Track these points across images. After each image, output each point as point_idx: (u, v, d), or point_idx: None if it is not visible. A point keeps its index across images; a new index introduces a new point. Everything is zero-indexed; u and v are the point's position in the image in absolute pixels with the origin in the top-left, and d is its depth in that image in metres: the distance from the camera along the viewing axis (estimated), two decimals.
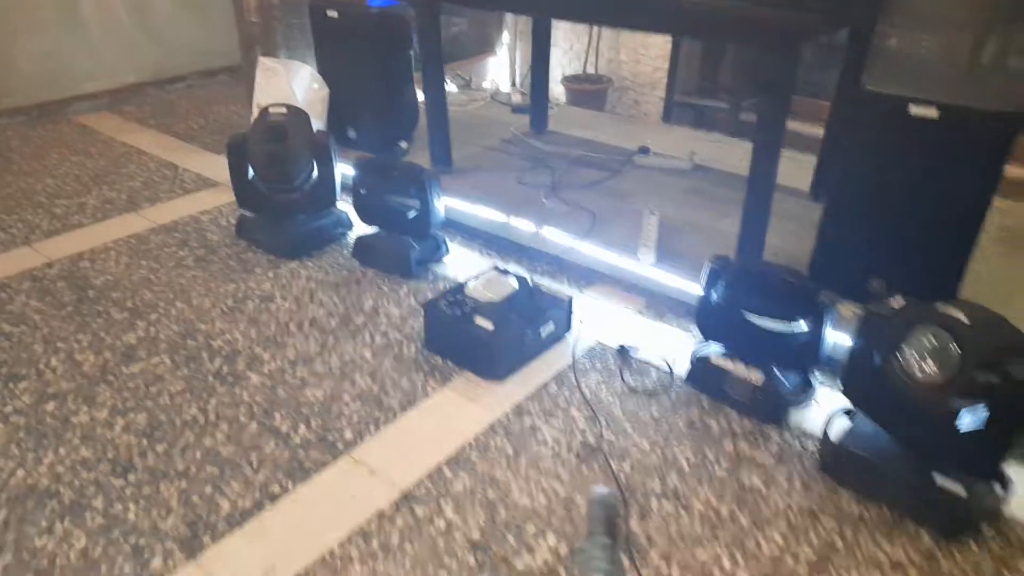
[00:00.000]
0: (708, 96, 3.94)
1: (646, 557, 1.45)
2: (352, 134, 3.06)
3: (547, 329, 2.02)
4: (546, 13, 2.97)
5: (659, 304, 2.26)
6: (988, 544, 1.49)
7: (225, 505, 1.57)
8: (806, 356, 1.76)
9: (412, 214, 2.35)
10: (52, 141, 3.57)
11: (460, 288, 2.05)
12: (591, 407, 1.85)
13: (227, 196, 2.91)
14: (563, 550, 1.45)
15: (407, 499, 1.59)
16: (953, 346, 1.37)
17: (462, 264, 2.48)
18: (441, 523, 1.53)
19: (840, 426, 1.66)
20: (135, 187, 3.08)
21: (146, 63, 4.22)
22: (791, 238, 2.30)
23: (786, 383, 1.79)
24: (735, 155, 2.82)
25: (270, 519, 1.54)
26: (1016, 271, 2.18)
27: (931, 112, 1.65)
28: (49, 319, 2.19)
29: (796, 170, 2.57)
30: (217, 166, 3.22)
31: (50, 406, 1.85)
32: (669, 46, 3.76)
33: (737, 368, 1.81)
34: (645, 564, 1.43)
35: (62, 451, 1.71)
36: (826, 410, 1.72)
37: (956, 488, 1.48)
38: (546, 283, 2.25)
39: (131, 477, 1.64)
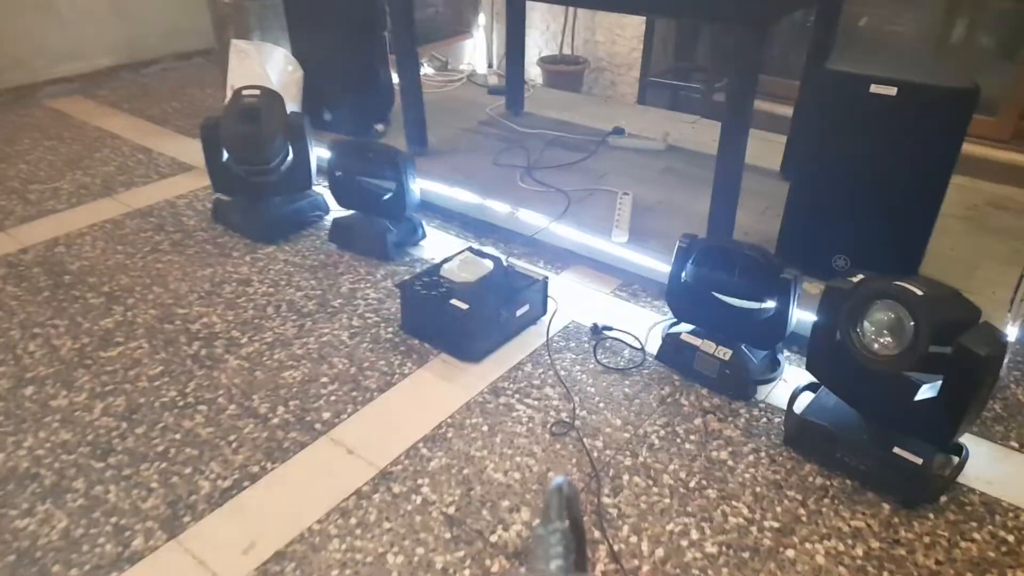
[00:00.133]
0: (683, 77, 3.97)
1: (618, 531, 1.50)
2: (328, 117, 3.06)
3: (522, 310, 2.05)
4: None
5: (633, 284, 2.30)
6: (944, 513, 1.55)
7: (205, 485, 1.60)
8: (772, 333, 1.80)
9: (388, 196, 2.37)
10: (25, 126, 3.53)
11: (436, 269, 2.08)
12: (565, 385, 1.89)
13: (202, 180, 2.91)
14: (529, 536, 1.50)
15: (384, 477, 1.62)
16: (908, 319, 1.41)
17: (439, 246, 2.50)
18: (418, 499, 1.57)
19: (805, 401, 1.72)
20: (109, 172, 3.06)
21: (120, 46, 4.17)
22: (762, 217, 2.35)
23: (754, 359, 1.84)
24: (709, 135, 2.86)
25: (250, 498, 1.57)
26: (979, 246, 2.24)
27: (890, 90, 1.69)
28: (25, 304, 2.19)
29: (768, 150, 2.62)
30: (192, 150, 3.20)
31: (29, 390, 1.86)
32: (644, 27, 3.77)
33: (706, 345, 1.86)
34: (616, 538, 1.48)
35: (42, 434, 1.72)
36: (792, 386, 1.78)
37: (914, 459, 1.53)
38: (522, 264, 2.28)
39: (111, 459, 1.66)
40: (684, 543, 1.48)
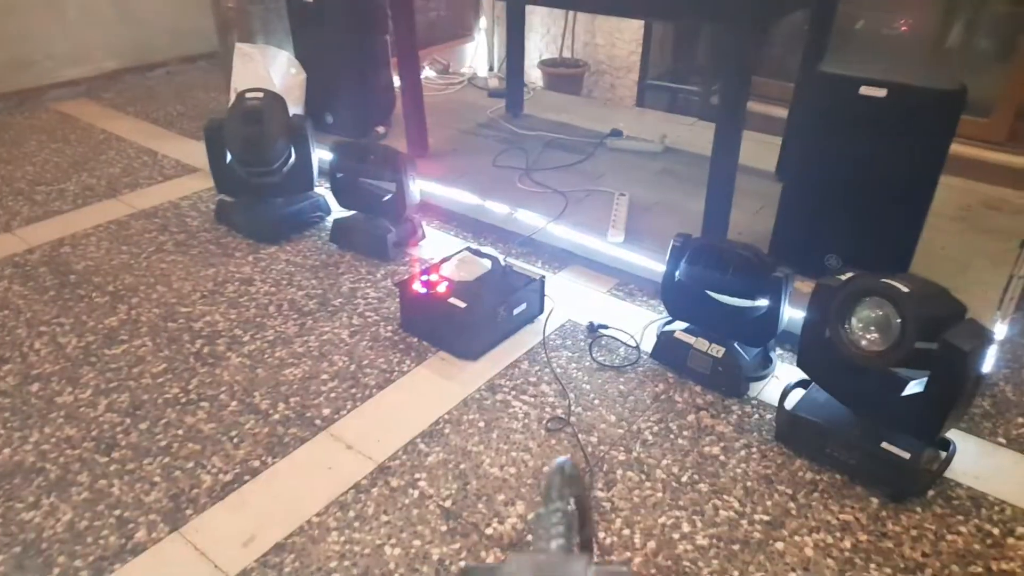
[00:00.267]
0: (680, 80, 4.00)
1: (611, 524, 1.53)
2: (330, 119, 3.10)
3: (519, 308, 2.09)
4: None
5: (629, 283, 2.33)
6: (931, 506, 1.58)
7: (207, 479, 1.63)
8: (764, 331, 1.83)
9: (388, 197, 2.41)
10: (31, 128, 3.58)
11: (435, 268, 2.11)
12: (561, 382, 1.92)
13: (206, 182, 2.95)
14: (531, 517, 1.53)
15: (383, 471, 1.65)
16: (894, 316, 1.44)
17: (438, 246, 2.54)
18: (415, 493, 1.60)
19: (796, 397, 1.75)
20: (115, 173, 3.11)
21: (125, 49, 4.22)
22: (756, 217, 2.38)
23: (746, 357, 1.87)
24: (706, 137, 2.87)
25: (250, 492, 1.61)
26: (971, 246, 2.27)
27: (880, 92, 1.72)
28: (32, 303, 2.23)
29: (764, 151, 2.65)
30: (196, 152, 3.25)
31: (35, 387, 1.90)
32: (643, 30, 3.81)
33: (699, 343, 1.89)
34: (610, 531, 1.51)
35: (47, 430, 1.76)
36: (784, 383, 1.81)
37: (902, 453, 1.56)
38: (519, 264, 2.32)
39: (115, 454, 1.70)
40: (676, 536, 1.51)
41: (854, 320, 1.53)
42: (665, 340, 1.96)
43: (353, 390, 1.89)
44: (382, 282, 2.35)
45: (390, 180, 2.39)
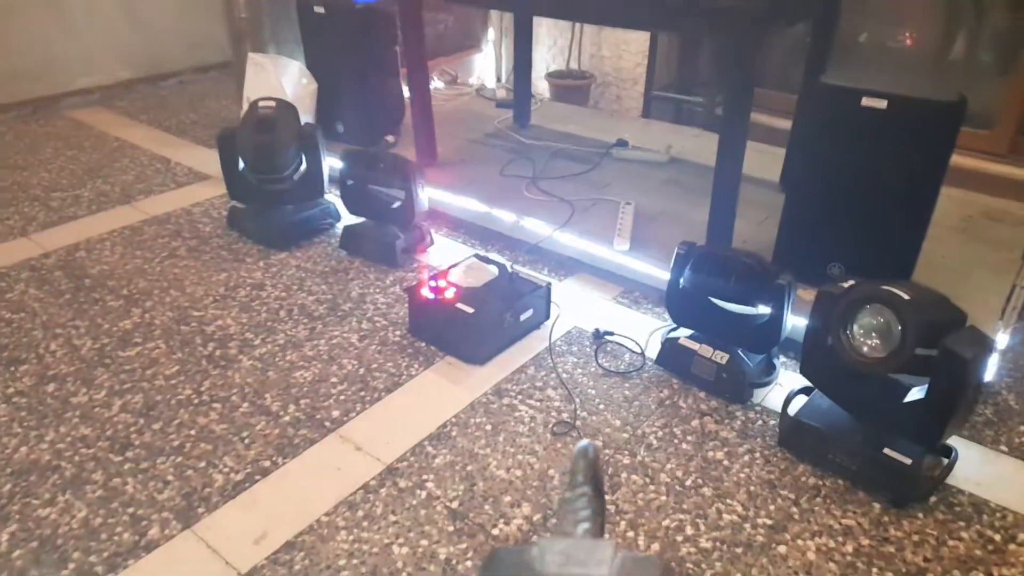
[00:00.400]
0: (686, 91, 4.04)
1: (616, 526, 1.55)
2: (340, 128, 3.15)
3: (526, 314, 2.12)
4: (514, 8, 3.06)
5: (634, 291, 2.36)
6: (933, 512, 1.60)
7: (219, 478, 1.66)
8: (768, 338, 1.86)
9: (397, 205, 2.45)
10: (46, 136, 3.64)
11: (443, 274, 2.14)
12: (566, 387, 1.95)
13: (218, 189, 3.00)
14: (537, 519, 1.55)
15: (391, 472, 1.68)
16: (895, 323, 1.47)
17: (446, 253, 2.57)
18: (422, 494, 1.63)
19: (799, 403, 1.77)
20: (128, 180, 3.16)
21: (138, 59, 4.29)
22: (760, 227, 2.41)
23: (750, 363, 1.89)
24: (710, 148, 2.91)
25: (261, 491, 1.64)
26: (973, 256, 2.29)
27: (881, 103, 1.75)
28: (48, 306, 2.27)
29: (768, 162, 2.68)
30: (209, 160, 3.31)
31: (50, 387, 1.93)
32: (648, 42, 3.86)
33: (704, 350, 1.91)
34: (614, 533, 1.53)
35: (63, 429, 1.80)
36: (788, 390, 1.83)
37: (904, 459, 1.58)
38: (526, 272, 2.35)
39: (129, 453, 1.73)
40: (679, 538, 1.53)
41: (855, 327, 1.56)
42: (670, 347, 1.99)
43: (362, 393, 1.93)
44: (391, 288, 2.38)
45: (399, 188, 2.43)
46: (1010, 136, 3.10)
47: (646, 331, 2.15)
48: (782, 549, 1.50)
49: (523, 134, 3.26)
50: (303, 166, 2.57)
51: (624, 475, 1.68)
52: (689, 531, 1.54)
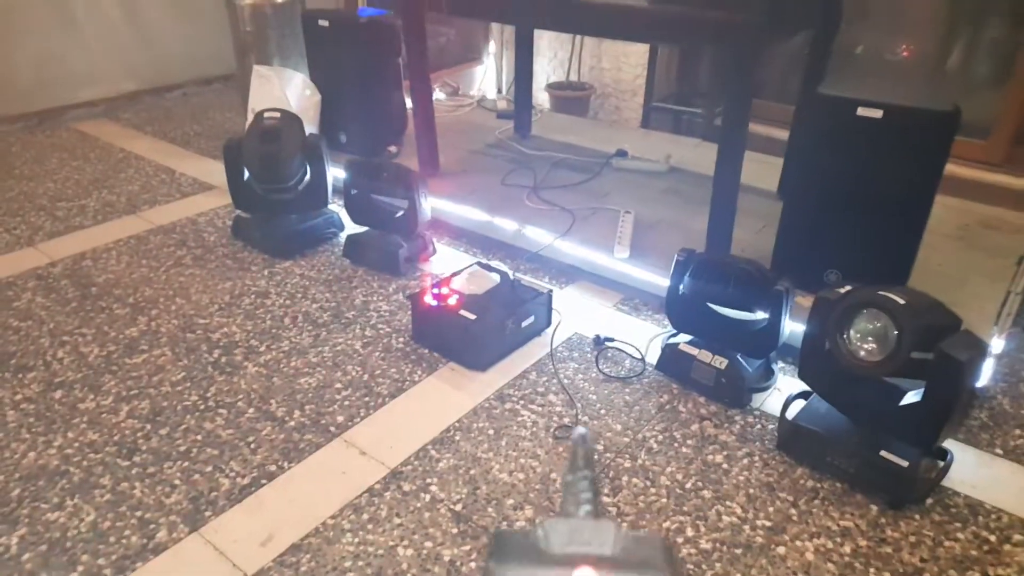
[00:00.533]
0: (684, 102, 4.09)
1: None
2: (343, 139, 3.19)
3: (527, 321, 2.14)
4: (515, 21, 3.11)
5: (634, 298, 2.39)
6: (930, 514, 1.62)
7: (225, 483, 1.69)
8: (766, 343, 1.89)
9: (400, 214, 2.48)
10: (52, 147, 3.68)
11: (446, 282, 2.17)
12: (568, 392, 1.97)
13: (223, 199, 3.03)
14: (540, 521, 1.57)
15: (395, 476, 1.71)
16: (891, 327, 1.50)
17: (449, 262, 2.60)
18: (427, 497, 1.65)
19: (797, 408, 1.80)
20: (134, 190, 3.19)
21: (143, 71, 4.34)
22: (759, 235, 2.44)
23: (748, 369, 1.92)
24: (709, 158, 2.94)
25: (267, 495, 1.66)
26: (969, 263, 2.32)
27: (876, 113, 1.79)
28: (54, 314, 2.30)
29: (766, 172, 2.71)
30: (213, 170, 3.35)
31: (58, 394, 1.96)
32: (648, 54, 3.91)
33: (703, 355, 1.94)
34: None
35: (70, 435, 1.82)
36: (786, 394, 1.85)
37: (900, 462, 1.61)
38: (527, 279, 2.38)
39: (136, 458, 1.75)
40: (680, 540, 1.55)
41: (852, 331, 1.59)
42: (670, 352, 2.01)
43: (366, 399, 1.95)
44: (394, 296, 2.41)
45: (403, 197, 2.47)
46: (1005, 146, 3.14)
47: (646, 337, 2.18)
48: (781, 550, 1.53)
49: (524, 144, 3.29)
50: (307, 176, 2.61)
51: (625, 478, 1.70)
52: (690, 532, 1.57)
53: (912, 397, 1.60)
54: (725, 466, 1.74)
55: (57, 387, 1.99)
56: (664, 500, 1.64)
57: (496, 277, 2.18)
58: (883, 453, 1.62)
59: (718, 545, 1.54)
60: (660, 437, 1.83)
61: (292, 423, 1.87)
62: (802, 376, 1.78)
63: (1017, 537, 1.56)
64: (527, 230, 2.59)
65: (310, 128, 3.00)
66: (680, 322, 2.03)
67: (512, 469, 1.73)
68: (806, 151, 2.07)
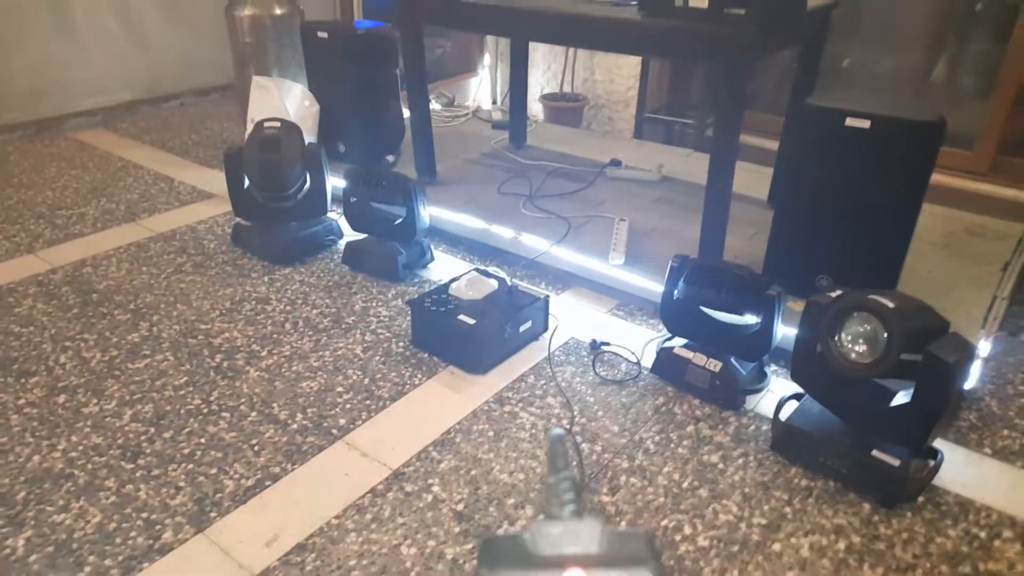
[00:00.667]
0: (676, 113, 4.16)
1: (616, 526, 1.60)
2: (342, 148, 3.23)
3: (525, 326, 2.18)
4: (511, 34, 3.16)
5: (629, 304, 2.43)
6: (921, 511, 1.66)
7: (230, 484, 1.71)
8: (759, 346, 1.93)
9: (399, 221, 2.52)
10: (50, 156, 3.70)
11: (444, 288, 2.21)
12: (565, 395, 2.01)
13: (222, 207, 3.06)
14: (541, 520, 1.60)
15: (397, 477, 1.73)
16: (881, 330, 1.54)
17: (446, 269, 2.64)
18: (429, 497, 1.68)
19: (790, 409, 1.84)
20: (133, 199, 3.22)
21: (140, 81, 4.37)
22: (750, 242, 2.49)
23: (742, 371, 1.96)
24: (701, 168, 3.00)
25: (271, 496, 1.68)
26: (955, 270, 2.38)
27: (864, 123, 1.85)
28: (56, 320, 2.32)
29: (757, 181, 2.77)
30: (212, 179, 3.38)
31: (61, 398, 1.98)
32: (640, 67, 3.98)
33: (698, 358, 1.98)
34: None
35: (74, 438, 1.84)
36: (779, 396, 1.90)
37: (892, 461, 1.65)
38: (524, 285, 2.42)
39: (140, 461, 1.77)
40: (678, 537, 1.58)
41: (844, 334, 1.63)
42: (665, 356, 2.05)
43: (367, 402, 1.98)
44: (393, 301, 2.44)
45: (401, 205, 2.50)
46: (990, 156, 3.21)
47: (641, 342, 2.22)
48: (777, 547, 1.56)
49: (519, 154, 3.35)
50: (307, 184, 2.64)
51: (623, 478, 1.74)
52: (687, 530, 1.60)
53: (902, 398, 1.64)
54: (721, 466, 1.78)
55: (60, 391, 2.00)
56: (662, 499, 1.68)
57: (494, 283, 2.22)
58: (875, 453, 1.66)
59: (715, 542, 1.57)
60: (656, 438, 1.86)
61: (294, 426, 1.89)
62: (795, 378, 1.82)
63: (1006, 533, 1.60)
64: (523, 237, 2.63)
65: (309, 138, 3.03)
66: (675, 326, 2.07)
67: (512, 470, 1.76)
68: (796, 160, 2.12)
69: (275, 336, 2.25)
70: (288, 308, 2.40)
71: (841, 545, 1.57)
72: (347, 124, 3.18)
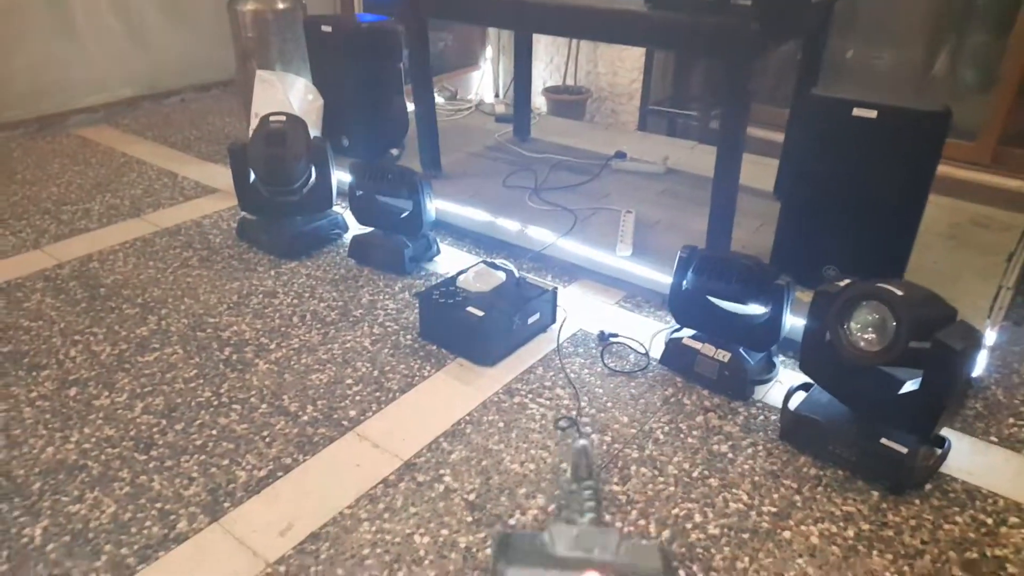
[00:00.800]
0: (680, 106, 4.17)
1: (627, 515, 1.62)
2: (346, 142, 3.23)
3: (533, 318, 2.19)
4: (516, 27, 3.17)
5: (637, 296, 2.44)
6: (929, 499, 1.67)
7: (242, 475, 1.72)
8: (768, 336, 1.94)
9: (405, 215, 2.52)
10: (54, 152, 3.70)
11: (452, 280, 2.22)
12: (574, 386, 2.02)
13: (226, 202, 3.07)
14: (552, 509, 1.62)
15: (409, 467, 1.74)
16: (890, 318, 1.55)
17: (452, 262, 2.65)
18: (440, 487, 1.69)
19: (799, 399, 1.85)
20: (137, 194, 3.22)
21: (141, 78, 4.37)
22: (757, 233, 2.51)
23: (751, 361, 1.97)
24: (705, 160, 3.01)
25: (284, 486, 1.69)
26: (961, 261, 2.39)
27: (871, 113, 1.85)
28: (65, 314, 2.32)
29: (763, 172, 2.78)
30: (215, 174, 3.38)
31: (72, 391, 1.98)
32: (644, 59, 3.98)
33: (706, 349, 1.99)
34: (627, 520, 1.60)
35: (87, 430, 1.85)
36: (787, 386, 1.91)
37: (900, 448, 1.66)
38: (532, 278, 2.42)
39: (153, 452, 1.78)
40: (689, 526, 1.59)
41: (852, 323, 1.64)
42: (673, 346, 2.06)
43: (377, 393, 1.99)
44: (400, 294, 2.45)
45: (407, 198, 2.51)
46: (992, 147, 3.23)
47: (649, 333, 2.23)
48: (787, 534, 1.57)
49: (524, 147, 3.35)
50: (313, 178, 2.65)
51: (634, 468, 1.75)
52: (698, 519, 1.61)
53: (910, 386, 1.66)
54: (730, 455, 1.79)
55: (71, 384, 2.01)
56: (672, 488, 1.69)
57: (502, 275, 2.23)
58: (883, 441, 1.67)
59: (726, 530, 1.58)
60: (666, 428, 1.87)
61: (305, 417, 1.90)
62: (803, 368, 1.83)
63: (1013, 520, 1.62)
64: (530, 230, 2.64)
65: (313, 132, 3.03)
66: (683, 317, 2.08)
67: (523, 460, 1.77)
68: (802, 152, 2.13)
69: (283, 329, 2.26)
70: (295, 302, 2.41)
71: (850, 532, 1.58)
72: (351, 118, 3.19)
